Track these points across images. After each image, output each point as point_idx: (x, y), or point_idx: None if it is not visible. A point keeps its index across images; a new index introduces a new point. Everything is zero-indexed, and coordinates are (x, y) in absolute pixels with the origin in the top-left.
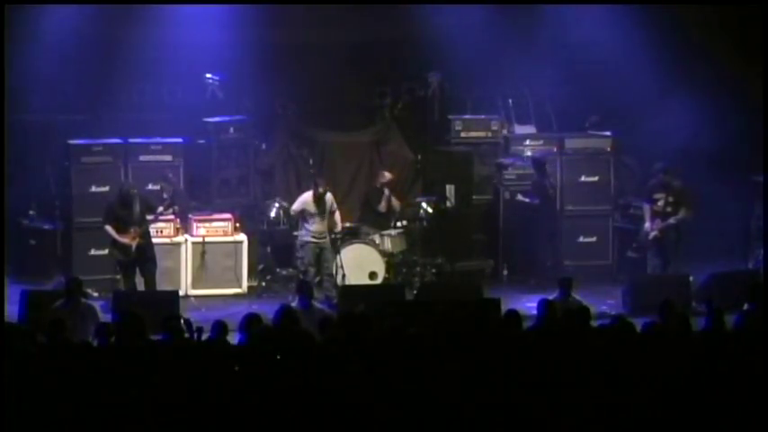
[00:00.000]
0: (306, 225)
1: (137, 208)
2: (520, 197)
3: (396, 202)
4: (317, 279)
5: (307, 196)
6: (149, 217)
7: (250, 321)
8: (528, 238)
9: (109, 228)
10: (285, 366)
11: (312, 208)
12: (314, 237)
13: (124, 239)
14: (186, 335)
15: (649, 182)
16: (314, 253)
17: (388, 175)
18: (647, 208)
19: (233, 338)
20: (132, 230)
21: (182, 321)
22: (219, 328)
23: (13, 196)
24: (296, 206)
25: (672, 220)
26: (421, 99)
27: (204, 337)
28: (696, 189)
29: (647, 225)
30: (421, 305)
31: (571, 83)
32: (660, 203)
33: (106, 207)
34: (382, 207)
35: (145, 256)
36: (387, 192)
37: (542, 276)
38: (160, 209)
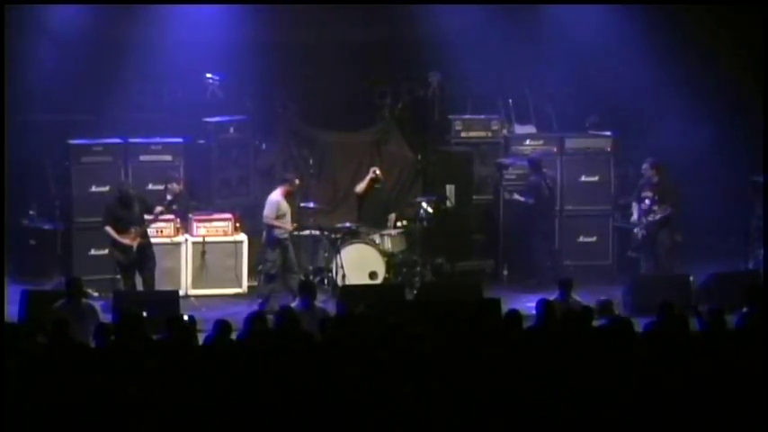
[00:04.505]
0: (276, 228)
1: (136, 208)
2: (516, 196)
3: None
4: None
5: (277, 197)
6: (148, 217)
7: (254, 320)
8: (525, 238)
9: (109, 229)
10: (283, 366)
11: (285, 207)
12: (285, 235)
13: (125, 240)
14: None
15: (639, 181)
16: (283, 251)
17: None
18: (636, 207)
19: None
20: (133, 231)
21: (186, 319)
22: (221, 327)
23: (13, 196)
24: (270, 212)
25: (651, 218)
26: (421, 99)
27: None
28: (696, 189)
29: (633, 219)
30: (421, 305)
31: (571, 83)
32: (647, 202)
33: (105, 208)
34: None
35: (144, 256)
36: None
37: (542, 276)
38: (159, 209)
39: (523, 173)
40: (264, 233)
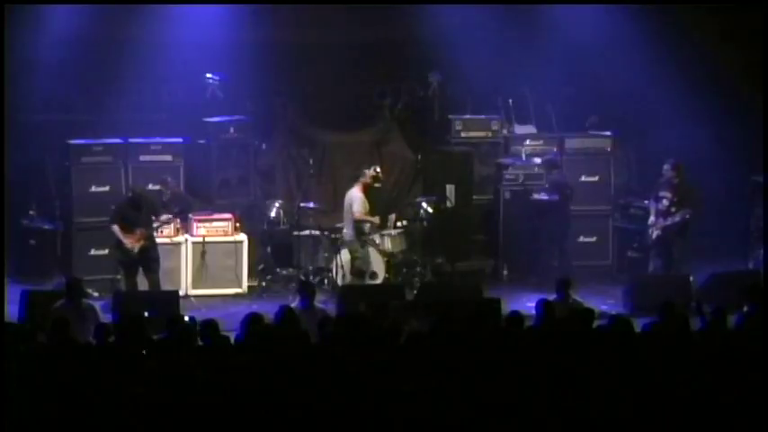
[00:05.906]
0: (363, 226)
1: (144, 210)
2: (535, 196)
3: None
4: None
5: (359, 193)
6: (155, 221)
7: (251, 321)
8: (535, 238)
9: (116, 228)
10: (283, 366)
11: (366, 202)
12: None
13: (127, 241)
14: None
15: (658, 180)
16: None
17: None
18: (653, 207)
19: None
20: (138, 232)
21: (186, 320)
22: (210, 327)
23: (13, 196)
24: (360, 207)
25: (670, 221)
26: (421, 99)
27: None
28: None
29: (651, 220)
30: (421, 305)
31: (571, 83)
32: (665, 202)
33: (115, 207)
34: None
35: (148, 257)
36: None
37: (546, 276)
38: (167, 216)
39: (524, 172)
40: (351, 231)
